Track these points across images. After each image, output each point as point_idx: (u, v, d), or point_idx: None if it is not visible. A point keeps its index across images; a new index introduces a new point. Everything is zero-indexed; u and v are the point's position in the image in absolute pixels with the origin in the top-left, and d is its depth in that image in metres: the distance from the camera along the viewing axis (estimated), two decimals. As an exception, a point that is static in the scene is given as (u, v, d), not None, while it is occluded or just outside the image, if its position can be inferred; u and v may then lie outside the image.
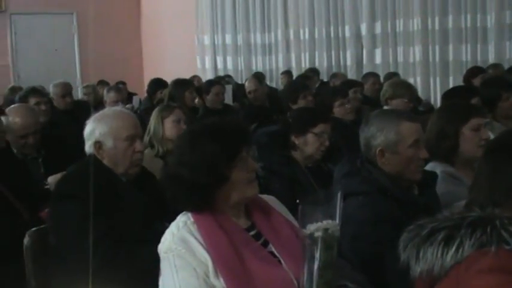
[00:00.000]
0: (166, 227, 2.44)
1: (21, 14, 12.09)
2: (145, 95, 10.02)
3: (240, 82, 10.32)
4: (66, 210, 2.82)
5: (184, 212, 2.23)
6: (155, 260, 2.27)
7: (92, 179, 2.81)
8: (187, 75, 8.65)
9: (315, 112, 4.00)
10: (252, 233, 2.23)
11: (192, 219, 2.18)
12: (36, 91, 5.43)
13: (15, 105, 4.45)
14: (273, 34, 10.95)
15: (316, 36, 10.27)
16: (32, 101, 5.17)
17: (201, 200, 2.16)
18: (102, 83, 10.24)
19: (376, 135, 2.72)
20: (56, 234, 2.86)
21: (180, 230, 2.16)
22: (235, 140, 2.19)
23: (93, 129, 2.97)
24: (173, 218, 2.31)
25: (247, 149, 2.21)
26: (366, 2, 9.54)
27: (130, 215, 2.82)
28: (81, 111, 7.11)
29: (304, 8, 10.34)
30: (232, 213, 2.22)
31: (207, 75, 11.21)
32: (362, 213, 2.55)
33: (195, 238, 2.12)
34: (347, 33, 9.93)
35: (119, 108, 3.36)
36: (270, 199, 2.42)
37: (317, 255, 1.91)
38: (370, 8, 9.51)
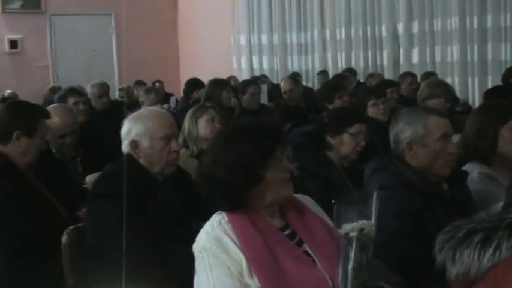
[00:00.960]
0: (202, 227, 2.45)
1: (60, 15, 12.24)
2: (182, 95, 10.12)
3: (275, 82, 10.33)
4: (103, 210, 2.86)
5: (218, 212, 2.23)
6: (191, 259, 2.29)
7: (128, 178, 2.85)
8: (223, 75, 8.66)
9: (351, 112, 3.98)
10: (287, 232, 2.23)
11: (226, 219, 2.18)
12: (75, 91, 5.47)
13: (54, 105, 4.50)
14: (309, 34, 10.92)
15: (353, 36, 10.19)
16: (71, 100, 5.20)
17: (236, 199, 2.17)
18: (139, 83, 10.35)
19: (405, 128, 2.78)
20: (93, 233, 2.89)
21: (215, 229, 2.16)
22: (269, 140, 2.19)
23: (129, 129, 3.01)
24: (208, 218, 2.32)
25: (282, 149, 2.20)
26: (403, 1, 9.43)
27: (166, 214, 2.84)
28: (118, 111, 7.19)
29: (340, 8, 10.28)
30: (266, 212, 2.22)
31: (243, 75, 11.23)
32: (386, 206, 2.56)
33: (230, 237, 2.13)
34: (384, 33, 9.83)
35: (155, 108, 3.39)
36: (304, 199, 2.42)
37: (352, 255, 1.90)
38: (407, 7, 9.40)
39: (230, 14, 11.97)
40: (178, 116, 5.73)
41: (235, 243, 2.11)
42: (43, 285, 3.15)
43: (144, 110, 3.25)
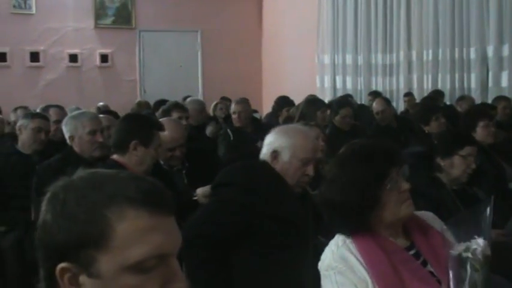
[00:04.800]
0: (321, 242, 2.50)
1: (149, 31, 12.55)
2: (264, 112, 10.21)
3: (358, 102, 10.31)
4: (223, 195, 3.00)
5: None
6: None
7: (264, 181, 2.95)
8: (306, 94, 8.67)
9: (462, 134, 3.98)
10: (411, 252, 2.24)
11: (350, 238, 2.22)
12: (179, 106, 5.62)
13: (164, 118, 4.64)
14: (394, 55, 10.80)
15: (440, 57, 10.05)
16: (175, 115, 5.33)
17: (355, 223, 2.20)
18: (225, 99, 10.53)
19: None
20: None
21: (340, 248, 2.20)
22: (384, 163, 2.21)
23: (275, 139, 3.07)
24: (327, 233, 2.36)
25: (397, 170, 2.22)
26: (493, 24, 9.26)
27: (292, 223, 2.90)
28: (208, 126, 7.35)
29: (428, 29, 10.14)
30: (389, 233, 2.24)
31: (326, 95, 11.23)
32: None
33: (355, 256, 2.16)
34: (472, 55, 9.64)
35: (306, 128, 3.44)
36: (427, 215, 2.43)
37: (466, 276, 1.91)
38: (497, 30, 9.21)
39: (315, 33, 11.97)
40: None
41: (360, 263, 2.14)
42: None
43: (296, 125, 3.33)
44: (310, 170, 3.04)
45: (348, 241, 2.20)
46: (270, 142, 3.08)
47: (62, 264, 1.22)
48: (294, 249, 2.86)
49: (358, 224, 2.19)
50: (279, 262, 2.83)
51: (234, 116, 6.75)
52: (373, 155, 2.23)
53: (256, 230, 2.84)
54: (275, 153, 3.04)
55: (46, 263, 1.26)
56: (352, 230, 2.21)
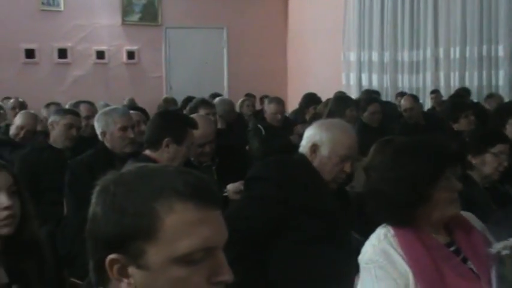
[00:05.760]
0: (355, 238, 2.51)
1: (175, 28, 12.62)
2: (289, 109, 10.20)
3: (384, 99, 10.26)
4: (253, 190, 3.00)
5: (383, 225, 2.28)
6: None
7: (298, 175, 2.94)
8: (331, 91, 8.68)
9: (493, 132, 3.95)
10: (452, 249, 2.24)
11: (392, 232, 2.22)
12: (206, 103, 5.64)
13: (193, 115, 4.66)
14: (421, 52, 10.72)
15: (468, 55, 9.97)
16: (202, 112, 5.32)
17: (402, 217, 2.20)
18: (249, 95, 10.58)
19: None
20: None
21: (381, 242, 2.21)
22: (439, 161, 2.21)
23: (315, 133, 3.05)
24: (359, 229, 2.37)
25: (452, 169, 2.22)
26: (522, 21, 9.21)
27: (326, 219, 2.90)
28: (236, 123, 7.38)
29: (455, 26, 10.07)
30: (431, 229, 2.25)
31: (352, 92, 11.19)
32: None
33: (396, 251, 2.17)
34: (500, 53, 9.58)
35: (347, 124, 3.42)
36: (467, 215, 2.42)
37: (506, 274, 1.91)
38: (527, 27, 9.17)
39: (340, 30, 11.94)
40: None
41: (401, 257, 2.15)
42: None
43: (338, 121, 3.31)
44: (347, 167, 3.01)
45: (390, 235, 2.21)
46: (310, 135, 3.06)
47: (112, 256, 1.25)
48: (330, 244, 2.85)
49: (404, 218, 2.20)
50: (315, 256, 2.82)
51: (274, 116, 6.73)
52: (431, 152, 2.22)
53: (291, 224, 2.84)
54: (314, 147, 3.02)
55: (96, 254, 1.29)
56: (396, 223, 2.22)
